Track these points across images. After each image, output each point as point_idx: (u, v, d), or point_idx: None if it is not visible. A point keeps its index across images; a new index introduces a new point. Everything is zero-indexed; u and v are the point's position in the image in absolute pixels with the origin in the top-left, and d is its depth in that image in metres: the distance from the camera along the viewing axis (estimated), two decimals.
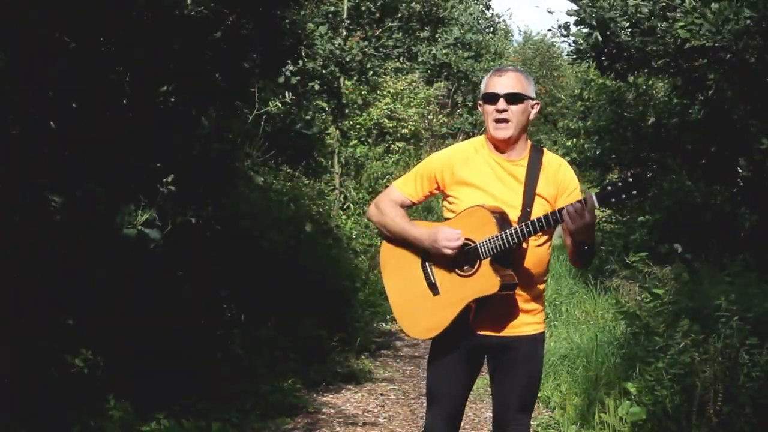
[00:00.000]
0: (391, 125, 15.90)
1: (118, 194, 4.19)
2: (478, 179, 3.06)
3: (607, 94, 11.28)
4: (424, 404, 3.36)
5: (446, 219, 3.13)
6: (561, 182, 3.10)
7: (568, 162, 3.35)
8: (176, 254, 4.97)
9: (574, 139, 13.12)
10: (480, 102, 3.12)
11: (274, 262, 7.19)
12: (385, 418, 5.54)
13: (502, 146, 3.08)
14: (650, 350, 4.80)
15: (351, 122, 14.32)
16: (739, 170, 8.53)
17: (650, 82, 10.91)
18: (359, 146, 13.94)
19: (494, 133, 3.04)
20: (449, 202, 3.13)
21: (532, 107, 3.10)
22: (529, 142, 3.14)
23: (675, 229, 7.87)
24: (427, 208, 12.56)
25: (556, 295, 8.40)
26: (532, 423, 5.33)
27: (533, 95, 3.10)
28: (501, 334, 3.07)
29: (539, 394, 5.78)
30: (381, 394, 6.10)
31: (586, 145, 12.40)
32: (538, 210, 3.01)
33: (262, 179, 7.51)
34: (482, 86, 3.11)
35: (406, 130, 16.27)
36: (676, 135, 9.84)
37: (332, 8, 11.32)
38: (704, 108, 8.56)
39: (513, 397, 3.12)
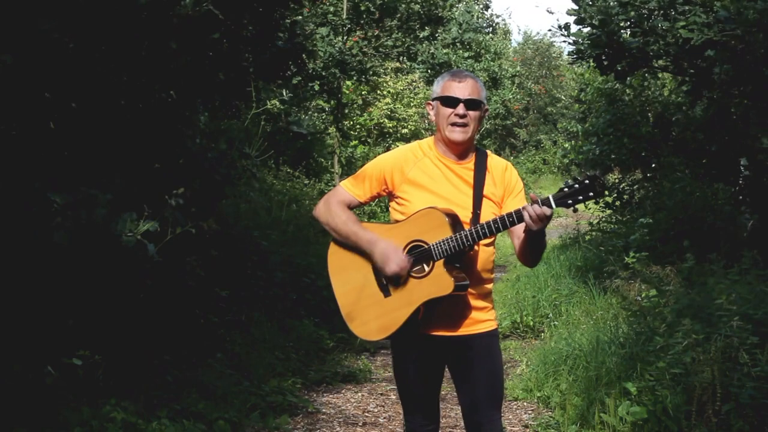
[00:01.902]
0: (391, 125, 15.91)
1: (120, 199, 4.17)
2: (428, 180, 3.10)
3: (604, 96, 11.30)
4: None
5: (396, 220, 3.14)
6: (508, 183, 3.16)
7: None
8: (176, 255, 4.97)
9: (572, 141, 13.14)
10: (431, 103, 3.16)
11: (274, 262, 7.20)
12: (385, 418, 5.53)
13: (455, 149, 3.12)
14: (651, 350, 4.80)
15: (351, 122, 14.33)
16: (741, 169, 8.54)
17: (646, 83, 10.93)
18: (359, 146, 13.95)
19: (450, 136, 3.08)
20: (398, 203, 3.15)
21: (484, 113, 3.17)
22: (475, 146, 3.20)
23: (676, 229, 7.86)
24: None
25: (557, 295, 8.38)
26: (532, 423, 5.37)
27: (485, 101, 3.17)
28: (456, 333, 3.10)
29: (539, 394, 5.80)
30: (381, 394, 6.10)
31: (585, 147, 12.43)
32: (487, 211, 3.06)
33: (258, 185, 7.50)
34: (437, 88, 3.14)
35: (406, 130, 16.28)
36: (676, 134, 9.85)
37: (332, 8, 11.32)
38: (707, 106, 8.56)
39: (480, 396, 3.15)
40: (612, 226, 10.85)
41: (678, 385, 4.40)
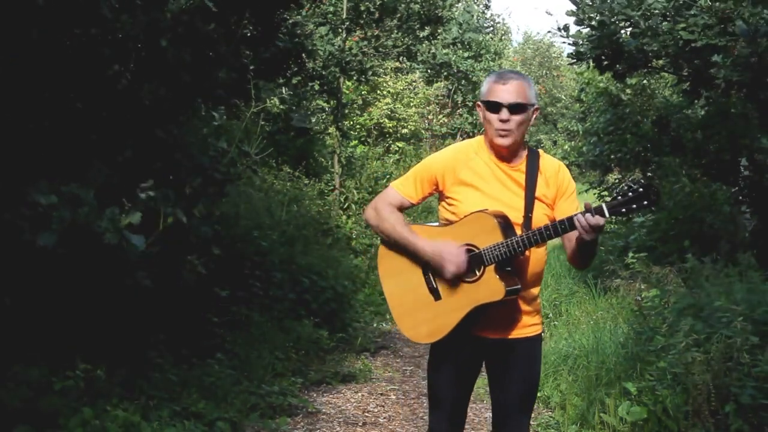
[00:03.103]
0: (391, 125, 15.91)
1: (102, 195, 4.07)
2: (479, 181, 3.06)
3: (604, 97, 11.31)
4: (424, 404, 3.38)
5: (446, 220, 3.12)
6: (560, 184, 3.11)
7: (568, 164, 3.37)
8: (174, 254, 4.96)
9: (572, 143, 13.15)
10: (479, 104, 3.10)
11: (274, 262, 7.20)
12: (385, 418, 5.53)
13: (502, 152, 3.08)
14: (651, 350, 4.80)
15: (351, 122, 14.32)
16: (741, 169, 8.54)
17: (645, 82, 10.94)
18: (359, 146, 13.94)
19: (496, 141, 3.04)
20: (448, 204, 3.11)
21: (533, 113, 3.10)
22: (527, 145, 3.15)
23: (676, 230, 7.87)
24: (426, 209, 12.55)
25: (556, 295, 8.39)
26: (532, 423, 5.36)
27: (535, 101, 3.08)
28: (502, 337, 3.09)
29: (539, 394, 5.80)
30: (381, 394, 6.10)
31: (584, 148, 12.43)
32: (539, 213, 3.02)
33: (258, 182, 7.47)
34: (484, 89, 3.08)
35: (406, 130, 16.28)
36: (675, 135, 9.85)
37: (331, 8, 11.31)
38: (707, 106, 8.55)
39: (513, 398, 3.14)
40: (612, 226, 10.86)
41: (678, 385, 4.40)
